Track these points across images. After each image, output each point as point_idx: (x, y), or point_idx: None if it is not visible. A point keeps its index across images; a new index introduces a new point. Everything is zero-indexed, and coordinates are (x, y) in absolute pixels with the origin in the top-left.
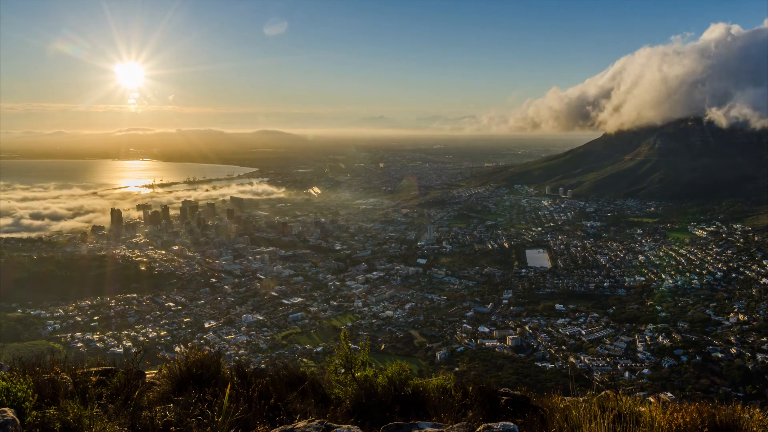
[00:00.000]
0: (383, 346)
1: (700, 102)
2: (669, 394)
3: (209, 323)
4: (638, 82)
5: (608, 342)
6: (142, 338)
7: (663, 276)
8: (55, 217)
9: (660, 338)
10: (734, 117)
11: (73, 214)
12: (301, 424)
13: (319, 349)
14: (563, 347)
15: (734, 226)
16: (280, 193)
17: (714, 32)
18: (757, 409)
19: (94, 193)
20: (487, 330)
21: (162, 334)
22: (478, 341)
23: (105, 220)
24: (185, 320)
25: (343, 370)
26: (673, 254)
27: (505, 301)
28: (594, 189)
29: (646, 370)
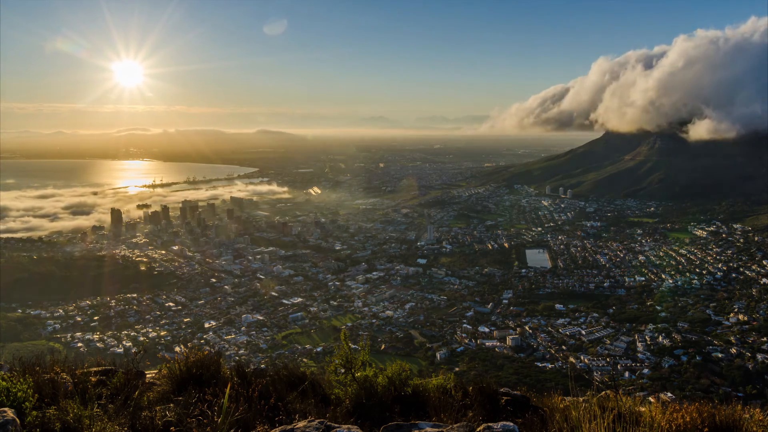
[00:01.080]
0: (383, 346)
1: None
2: (669, 394)
3: (209, 323)
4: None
5: (608, 342)
6: (142, 338)
7: (663, 276)
8: (58, 217)
9: (660, 338)
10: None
11: (71, 214)
12: (301, 424)
13: (319, 349)
14: (563, 347)
15: (734, 226)
16: (280, 193)
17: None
18: (757, 409)
19: (94, 193)
20: (487, 330)
21: (162, 334)
22: (478, 341)
23: (105, 219)
24: (185, 320)
25: (343, 370)
26: (673, 254)
27: (505, 301)
28: (594, 189)
29: (646, 370)
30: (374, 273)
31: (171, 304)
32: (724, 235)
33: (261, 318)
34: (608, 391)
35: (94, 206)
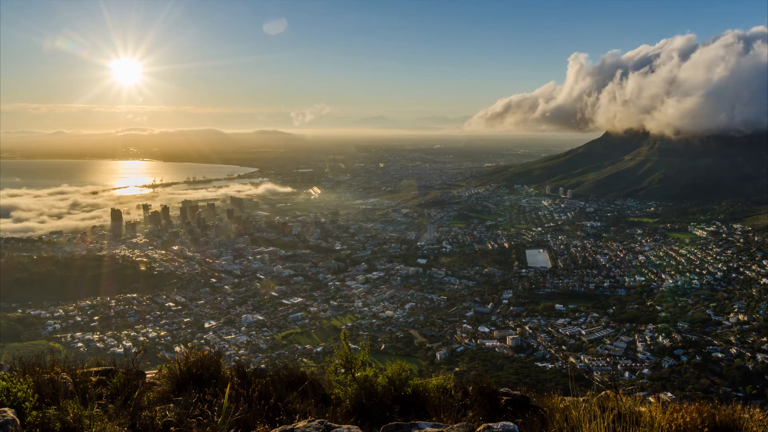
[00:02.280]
0: (383, 346)
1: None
2: (669, 394)
3: (209, 323)
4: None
5: (608, 342)
6: (142, 338)
7: (663, 276)
8: (57, 217)
9: (660, 338)
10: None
11: (72, 214)
12: (301, 424)
13: (319, 349)
14: (563, 347)
15: (734, 226)
16: (280, 193)
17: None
18: (757, 409)
19: (94, 193)
20: (487, 330)
21: (162, 334)
22: (478, 341)
23: (105, 220)
24: (185, 320)
25: (343, 370)
26: (673, 254)
27: (505, 301)
28: (594, 189)
29: (646, 370)
30: (374, 273)
31: (171, 304)
32: (724, 235)
33: (261, 318)
34: (608, 391)
35: (94, 206)
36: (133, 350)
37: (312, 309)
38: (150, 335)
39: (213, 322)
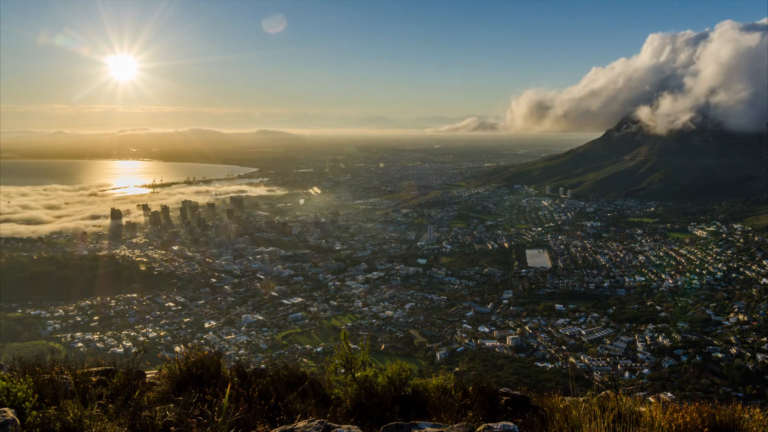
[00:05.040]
0: (383, 346)
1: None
2: (669, 394)
3: (209, 323)
4: None
5: (608, 342)
6: (142, 338)
7: (663, 276)
8: (57, 217)
9: (660, 338)
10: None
11: (72, 214)
12: (301, 424)
13: (319, 349)
14: (563, 347)
15: (734, 226)
16: (280, 193)
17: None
18: (757, 409)
19: (95, 194)
20: (487, 330)
21: (162, 334)
22: (478, 341)
23: (105, 220)
24: (185, 320)
25: (343, 370)
26: (673, 254)
27: (505, 301)
28: (594, 189)
29: (646, 370)
30: (374, 273)
31: (171, 304)
32: (724, 235)
33: (261, 318)
34: (608, 391)
35: (94, 206)
36: (133, 350)
37: (312, 309)
38: (150, 335)
39: (213, 322)
